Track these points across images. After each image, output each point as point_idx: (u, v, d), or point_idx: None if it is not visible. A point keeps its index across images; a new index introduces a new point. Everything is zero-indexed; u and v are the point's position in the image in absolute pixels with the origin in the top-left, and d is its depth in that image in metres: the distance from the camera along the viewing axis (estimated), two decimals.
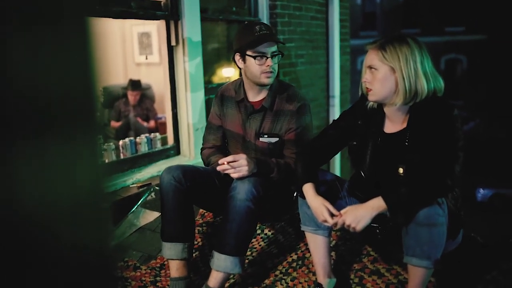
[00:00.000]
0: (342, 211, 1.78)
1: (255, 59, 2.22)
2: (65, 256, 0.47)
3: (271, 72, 2.24)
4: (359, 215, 1.73)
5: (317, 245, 2.04)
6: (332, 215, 1.80)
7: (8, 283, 0.44)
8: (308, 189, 1.90)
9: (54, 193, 0.45)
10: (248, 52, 2.22)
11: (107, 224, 0.51)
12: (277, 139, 2.31)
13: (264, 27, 2.25)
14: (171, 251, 2.20)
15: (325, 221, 1.81)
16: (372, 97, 1.86)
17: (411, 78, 1.77)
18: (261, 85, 2.29)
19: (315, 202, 1.85)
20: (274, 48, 2.23)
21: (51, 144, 0.45)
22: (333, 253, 2.29)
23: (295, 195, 2.13)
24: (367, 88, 1.86)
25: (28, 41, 0.42)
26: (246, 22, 2.29)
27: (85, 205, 0.48)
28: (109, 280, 0.54)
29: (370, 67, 1.84)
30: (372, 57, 1.83)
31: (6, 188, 0.42)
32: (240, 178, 2.09)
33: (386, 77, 1.80)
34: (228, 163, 2.08)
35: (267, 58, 2.22)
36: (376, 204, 1.72)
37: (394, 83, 1.80)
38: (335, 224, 1.79)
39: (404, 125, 1.87)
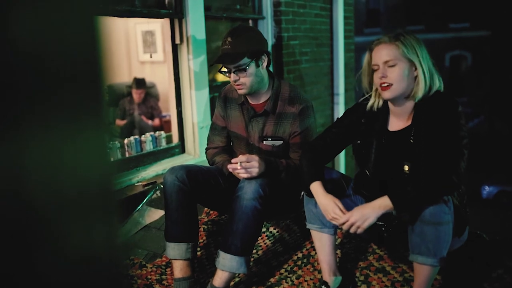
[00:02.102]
0: (349, 212, 1.77)
1: (222, 72, 2.25)
2: (73, 248, 0.47)
3: (238, 85, 2.21)
4: (365, 213, 1.72)
5: (323, 243, 2.04)
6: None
7: (14, 274, 0.44)
8: (317, 187, 1.89)
9: (60, 181, 0.45)
10: None
11: (115, 216, 0.51)
12: (281, 142, 2.30)
13: (228, 41, 2.17)
14: (174, 251, 2.20)
15: (335, 218, 1.80)
16: (390, 94, 1.83)
17: (429, 70, 1.81)
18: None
19: (325, 200, 1.84)
20: (237, 63, 2.16)
21: (57, 129, 0.45)
22: (338, 251, 2.29)
23: (302, 194, 2.13)
24: (383, 85, 1.82)
25: (32, 13, 0.42)
26: (236, 26, 2.25)
27: (92, 194, 0.48)
28: (118, 277, 0.54)
29: (387, 63, 1.81)
30: (389, 52, 1.80)
31: (12, 177, 0.43)
32: (248, 178, 2.09)
33: (407, 71, 1.80)
34: (240, 163, 2.08)
35: (230, 72, 2.20)
36: (383, 204, 1.72)
37: (413, 77, 1.81)
38: (342, 223, 1.78)
39: (409, 122, 1.87)
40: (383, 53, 1.81)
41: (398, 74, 1.79)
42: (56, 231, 0.46)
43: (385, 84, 1.81)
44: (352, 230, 1.75)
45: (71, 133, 0.46)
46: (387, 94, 1.83)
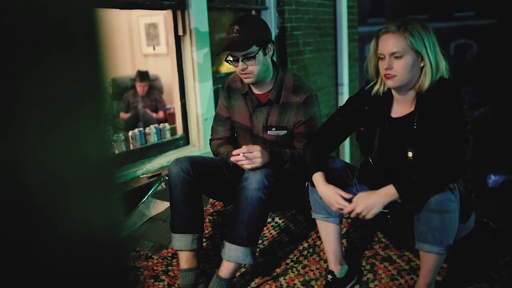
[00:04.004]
0: (354, 198, 1.77)
1: (228, 61, 2.23)
2: (73, 230, 0.47)
3: (246, 73, 2.20)
4: (370, 203, 1.72)
5: (328, 233, 2.04)
6: (346, 200, 1.79)
7: (15, 262, 0.44)
8: (318, 178, 1.88)
9: (61, 165, 0.45)
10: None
11: (116, 195, 0.51)
12: (285, 131, 2.29)
13: (236, 30, 2.15)
14: (180, 242, 2.20)
15: (340, 209, 1.80)
16: (394, 83, 1.81)
17: (436, 60, 1.79)
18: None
19: (326, 191, 1.84)
20: (246, 51, 2.14)
21: (53, 111, 0.44)
22: (344, 241, 2.28)
23: (307, 185, 2.12)
24: (387, 74, 1.80)
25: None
26: (241, 15, 2.21)
27: (93, 177, 0.48)
28: (122, 263, 0.54)
29: (393, 54, 1.78)
30: (396, 44, 1.77)
31: (10, 165, 0.42)
32: (252, 169, 2.09)
33: (413, 63, 1.78)
34: (242, 154, 2.07)
35: (238, 61, 2.18)
36: (389, 192, 1.71)
37: (419, 68, 1.79)
38: (348, 212, 1.78)
39: (412, 108, 1.86)
40: (390, 44, 1.78)
41: (403, 66, 1.78)
42: (55, 214, 0.45)
43: (390, 75, 1.80)
44: (359, 217, 1.76)
45: (69, 118, 0.45)
46: (391, 83, 1.82)
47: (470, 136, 1.75)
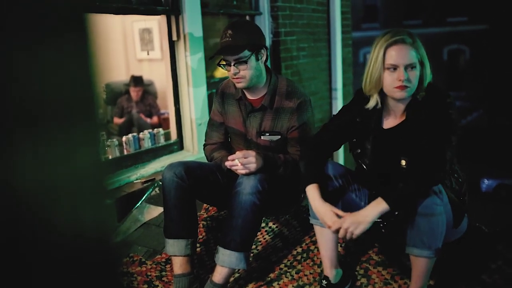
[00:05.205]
0: (343, 218, 1.76)
1: (221, 65, 2.24)
2: (66, 245, 0.47)
3: (238, 78, 2.21)
4: (360, 218, 1.71)
5: (325, 239, 2.03)
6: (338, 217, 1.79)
7: (7, 275, 0.44)
8: (314, 193, 1.85)
9: (53, 170, 0.45)
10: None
11: (108, 205, 0.51)
12: (278, 136, 2.29)
13: (229, 34, 2.16)
14: (174, 247, 2.20)
15: (330, 226, 1.79)
16: (406, 94, 1.82)
17: (430, 69, 1.84)
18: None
19: (321, 209, 1.81)
20: (238, 55, 2.15)
21: (49, 131, 0.44)
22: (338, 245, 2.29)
23: (303, 196, 2.09)
24: (403, 86, 1.79)
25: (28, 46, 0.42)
26: (235, 20, 2.21)
27: (85, 182, 0.48)
28: (113, 268, 0.54)
29: (409, 65, 1.79)
30: (412, 55, 1.79)
31: (4, 177, 0.42)
32: (246, 174, 2.09)
33: (419, 73, 1.82)
34: (238, 160, 2.08)
35: (230, 65, 2.19)
36: (377, 206, 1.71)
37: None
38: (335, 228, 1.78)
39: (403, 118, 1.88)
40: (406, 55, 1.79)
41: (416, 77, 1.81)
42: (47, 219, 0.46)
43: (405, 86, 1.80)
44: (347, 237, 1.75)
45: (61, 124, 0.46)
46: (404, 94, 1.81)
47: (454, 137, 1.77)
